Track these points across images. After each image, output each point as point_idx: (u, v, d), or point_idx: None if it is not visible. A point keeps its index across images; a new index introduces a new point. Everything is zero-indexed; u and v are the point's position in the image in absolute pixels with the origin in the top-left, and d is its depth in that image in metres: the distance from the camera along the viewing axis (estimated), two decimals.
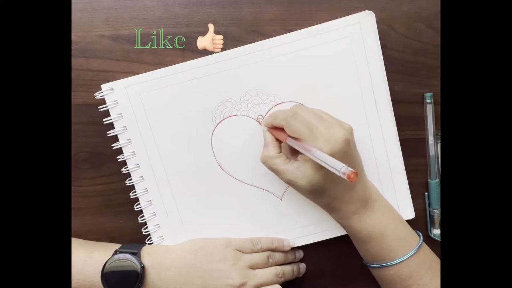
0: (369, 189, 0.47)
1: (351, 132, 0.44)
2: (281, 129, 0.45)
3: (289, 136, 0.44)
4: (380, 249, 0.46)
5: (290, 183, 0.44)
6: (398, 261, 0.45)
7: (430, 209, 0.52)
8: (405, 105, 0.50)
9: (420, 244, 0.46)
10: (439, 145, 0.51)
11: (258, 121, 0.49)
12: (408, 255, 0.45)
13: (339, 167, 0.37)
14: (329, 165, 0.38)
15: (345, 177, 0.36)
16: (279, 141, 0.46)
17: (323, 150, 0.41)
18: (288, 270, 0.50)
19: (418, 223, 0.50)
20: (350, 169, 0.36)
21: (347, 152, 0.43)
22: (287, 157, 0.45)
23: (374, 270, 0.49)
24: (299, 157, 0.44)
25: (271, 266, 0.49)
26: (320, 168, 0.41)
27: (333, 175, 0.38)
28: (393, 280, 0.46)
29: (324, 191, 0.44)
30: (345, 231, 0.49)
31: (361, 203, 0.45)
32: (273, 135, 0.47)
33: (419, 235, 0.48)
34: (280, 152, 0.46)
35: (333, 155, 0.41)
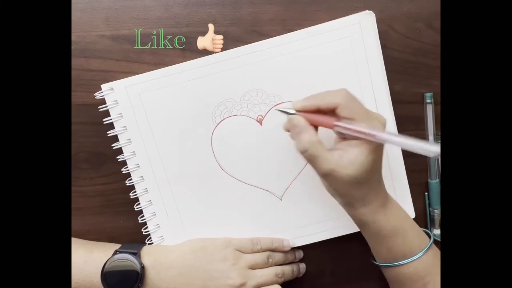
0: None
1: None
2: (322, 113, 0.41)
3: (343, 118, 0.40)
4: (402, 245, 0.44)
5: (331, 172, 0.40)
6: (419, 255, 0.44)
7: (430, 209, 0.52)
8: (405, 105, 0.50)
9: (433, 238, 0.46)
10: (439, 145, 0.51)
11: (258, 121, 0.49)
12: (425, 249, 0.44)
13: (431, 148, 0.36)
14: (419, 147, 0.37)
15: (438, 156, 0.35)
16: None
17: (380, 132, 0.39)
18: (288, 270, 0.50)
19: (418, 223, 0.50)
20: (438, 149, 0.35)
21: None
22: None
23: (390, 271, 0.46)
24: (339, 145, 0.41)
25: (271, 266, 0.49)
26: (370, 155, 0.40)
27: (379, 164, 0.36)
28: (411, 279, 0.45)
29: (366, 181, 0.41)
30: (345, 231, 0.49)
31: (385, 196, 0.44)
32: (310, 121, 0.42)
33: (427, 232, 0.47)
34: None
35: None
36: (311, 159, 0.41)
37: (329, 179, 0.41)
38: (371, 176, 0.41)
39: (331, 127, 0.41)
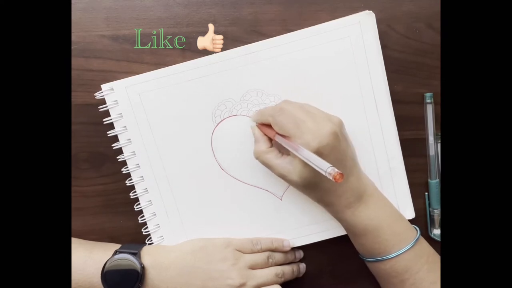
0: (364, 183, 0.47)
1: (339, 125, 0.44)
2: (269, 126, 0.45)
3: (277, 133, 0.44)
4: (376, 243, 0.45)
5: (283, 177, 0.45)
6: (394, 255, 0.45)
7: (430, 209, 0.52)
8: (405, 105, 0.50)
9: (417, 238, 0.46)
10: (439, 145, 0.51)
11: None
12: (404, 249, 0.45)
13: (325, 168, 0.37)
14: (315, 165, 0.39)
15: (331, 178, 0.36)
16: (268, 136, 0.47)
17: (310, 145, 0.41)
18: (288, 270, 0.50)
19: (418, 223, 0.50)
20: (336, 170, 0.36)
21: (336, 145, 0.43)
22: (280, 151, 0.46)
23: (370, 264, 0.49)
24: (291, 152, 0.44)
25: (271, 266, 0.49)
26: (306, 164, 0.41)
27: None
28: (389, 275, 0.46)
29: (316, 185, 0.44)
30: (344, 231, 0.49)
31: (355, 196, 0.45)
32: (262, 131, 0.47)
33: (416, 230, 0.48)
34: (271, 146, 0.46)
35: (321, 149, 0.41)
36: (264, 165, 0.46)
37: (285, 181, 0.46)
38: (319, 182, 0.44)
39: (273, 139, 0.45)
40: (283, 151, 0.46)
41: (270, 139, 0.47)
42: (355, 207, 0.45)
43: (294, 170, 0.43)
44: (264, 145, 0.46)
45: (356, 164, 0.47)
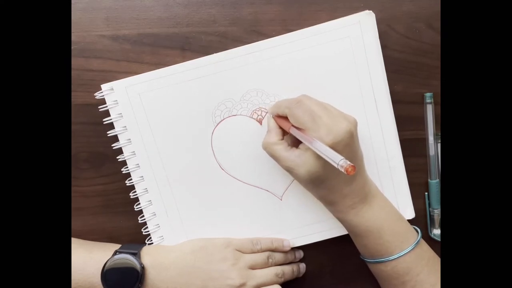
0: (369, 184, 0.47)
1: (355, 125, 0.44)
2: (286, 118, 0.45)
3: (292, 125, 0.44)
4: (378, 244, 0.45)
5: (289, 170, 0.44)
6: (395, 256, 0.45)
7: (430, 209, 0.52)
8: (405, 105, 0.50)
9: (418, 240, 0.46)
10: (439, 145, 0.51)
11: (258, 121, 0.49)
12: (406, 251, 0.45)
13: (337, 160, 0.37)
14: (328, 157, 0.39)
15: (343, 170, 0.36)
16: (282, 129, 0.46)
17: (324, 140, 0.41)
18: (288, 270, 0.50)
19: (418, 223, 0.50)
20: (349, 162, 0.36)
21: (349, 144, 0.43)
22: (289, 145, 0.45)
23: (371, 266, 0.49)
24: (301, 146, 0.44)
25: (271, 266, 0.49)
26: (320, 158, 0.41)
27: (333, 167, 0.38)
28: (390, 276, 0.46)
29: (322, 182, 0.44)
30: (345, 230, 0.49)
31: (359, 197, 0.45)
32: (277, 123, 0.47)
33: (417, 231, 0.48)
34: (282, 139, 0.46)
35: (334, 145, 0.41)
36: (271, 156, 0.46)
37: (292, 175, 0.45)
38: (327, 179, 0.43)
39: (289, 131, 0.45)
40: (292, 145, 0.45)
41: (282, 133, 0.46)
42: (359, 208, 0.45)
43: (303, 164, 0.43)
44: (275, 136, 0.46)
45: (363, 166, 0.47)
